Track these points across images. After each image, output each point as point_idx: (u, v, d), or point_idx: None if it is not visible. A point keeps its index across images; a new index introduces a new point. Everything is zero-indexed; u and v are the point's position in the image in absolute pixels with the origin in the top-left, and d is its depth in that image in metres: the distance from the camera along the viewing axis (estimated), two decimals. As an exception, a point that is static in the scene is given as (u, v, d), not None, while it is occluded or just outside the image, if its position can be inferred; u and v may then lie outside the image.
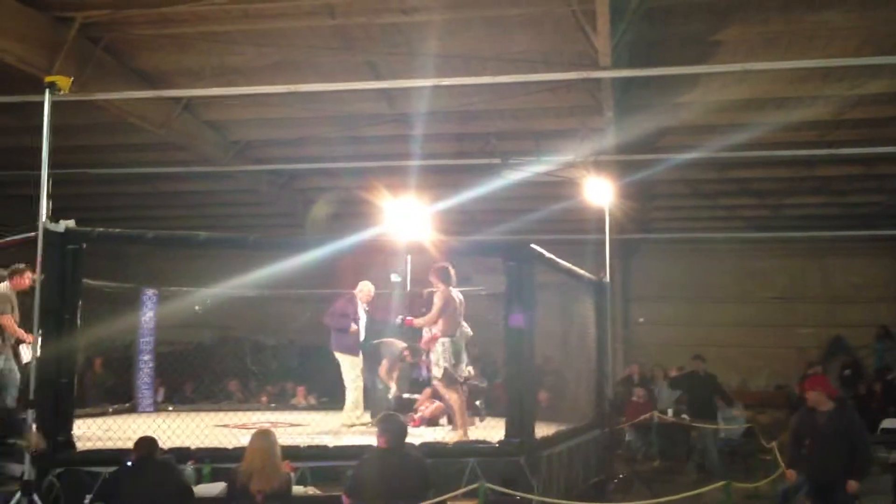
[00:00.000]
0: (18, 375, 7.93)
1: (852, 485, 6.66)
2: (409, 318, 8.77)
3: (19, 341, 8.02)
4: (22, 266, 8.03)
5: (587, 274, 10.27)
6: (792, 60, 9.51)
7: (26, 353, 7.89)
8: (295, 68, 10.48)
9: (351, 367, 9.35)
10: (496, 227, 15.13)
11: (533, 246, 7.77)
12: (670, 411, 13.15)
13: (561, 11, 9.05)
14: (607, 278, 10.97)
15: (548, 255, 8.16)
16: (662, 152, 12.70)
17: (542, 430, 7.81)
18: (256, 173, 14.81)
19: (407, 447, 6.22)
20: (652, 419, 12.57)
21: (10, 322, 7.94)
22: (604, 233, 11.44)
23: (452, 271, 8.36)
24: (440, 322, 8.17)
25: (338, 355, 9.43)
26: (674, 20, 9.41)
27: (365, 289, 9.86)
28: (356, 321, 9.59)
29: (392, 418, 6.40)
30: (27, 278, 7.94)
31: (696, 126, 11.80)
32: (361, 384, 9.36)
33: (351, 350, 9.38)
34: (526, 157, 12.74)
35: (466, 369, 8.35)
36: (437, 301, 8.22)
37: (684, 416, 13.10)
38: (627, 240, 17.02)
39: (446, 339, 8.11)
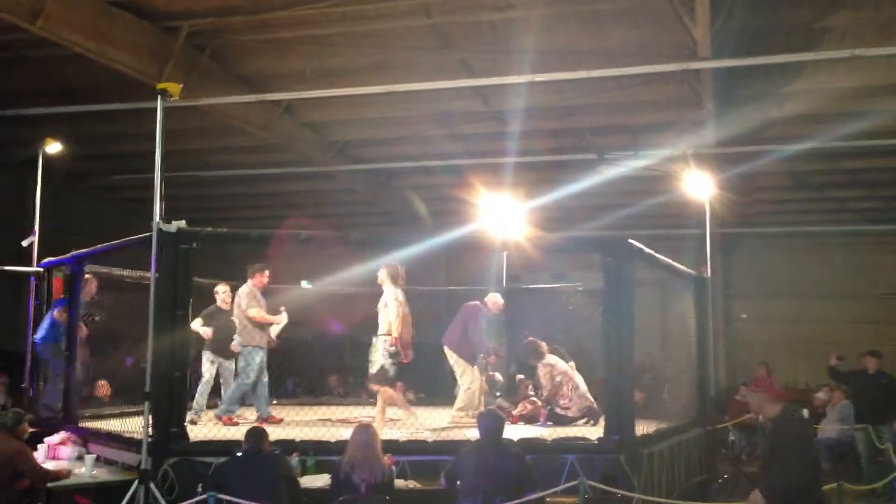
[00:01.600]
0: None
1: None
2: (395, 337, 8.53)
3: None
4: (260, 265, 9.02)
5: (687, 269, 10.05)
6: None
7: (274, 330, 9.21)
8: (391, 68, 10.64)
9: (467, 372, 9.32)
10: (592, 222, 14.98)
11: (631, 241, 7.66)
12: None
13: (658, 2, 8.89)
14: (708, 274, 10.72)
15: (647, 250, 8.03)
16: (766, 143, 12.28)
17: (643, 428, 7.70)
18: (355, 172, 15.09)
19: (505, 443, 6.26)
20: (757, 418, 12.18)
21: (259, 314, 8.86)
22: (703, 227, 11.17)
23: (402, 272, 8.53)
24: (383, 320, 8.34)
25: (455, 357, 9.35)
26: (779, 7, 9.12)
27: (497, 300, 9.87)
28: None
29: (488, 414, 6.48)
30: (265, 276, 9.06)
31: (802, 116, 11.36)
32: (476, 388, 9.27)
33: (470, 359, 9.35)
34: (623, 151, 12.57)
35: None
36: (389, 301, 8.39)
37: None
38: (728, 234, 16.57)
39: (388, 337, 8.20)
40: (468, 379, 9.19)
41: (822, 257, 17.07)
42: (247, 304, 8.86)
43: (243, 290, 9.01)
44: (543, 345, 9.44)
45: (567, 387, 9.12)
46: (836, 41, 9.49)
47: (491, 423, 6.13)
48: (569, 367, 9.33)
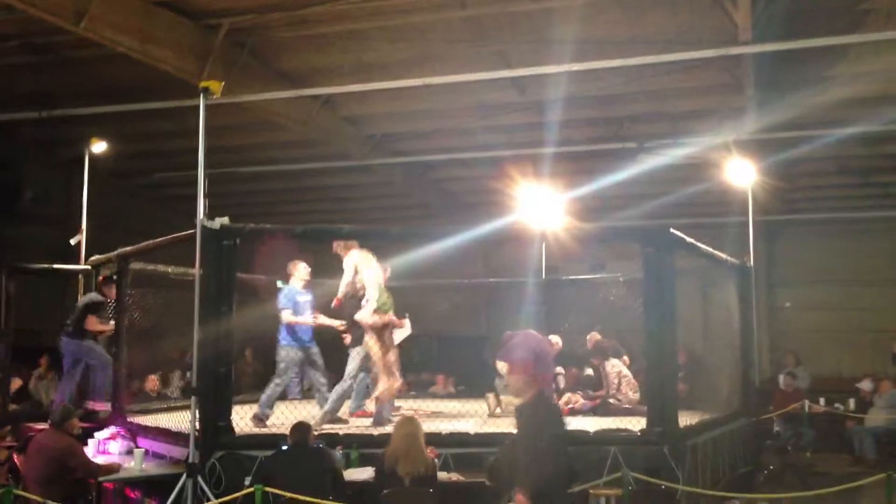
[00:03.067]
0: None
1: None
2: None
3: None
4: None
5: (729, 258, 9.94)
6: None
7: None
8: (428, 61, 10.64)
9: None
10: (632, 211, 14.86)
11: (672, 231, 7.59)
12: (822, 400, 12.58)
13: (697, -13, 8.79)
14: (751, 262, 10.59)
15: (688, 239, 7.96)
16: (810, 129, 12.07)
17: (686, 419, 7.65)
18: (392, 165, 15.13)
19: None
20: (803, 408, 12.05)
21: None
22: (745, 215, 11.05)
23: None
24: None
25: (514, 381, 9.33)
26: (820, -10, 8.95)
27: (558, 343, 9.85)
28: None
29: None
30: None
31: (846, 100, 11.12)
32: None
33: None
34: (662, 139, 12.45)
35: None
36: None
37: (837, 405, 12.54)
38: (771, 221, 16.32)
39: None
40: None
41: (868, 243, 16.73)
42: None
43: None
44: (606, 342, 9.75)
45: (626, 386, 9.32)
46: (881, 23, 9.28)
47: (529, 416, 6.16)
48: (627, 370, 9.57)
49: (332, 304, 8.49)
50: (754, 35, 8.88)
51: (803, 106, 11.15)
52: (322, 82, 11.20)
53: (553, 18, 9.53)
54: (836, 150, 13.04)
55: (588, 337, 10.14)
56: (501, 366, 9.49)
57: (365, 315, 8.08)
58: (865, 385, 12.12)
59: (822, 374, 15.62)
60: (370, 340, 8.15)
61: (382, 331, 8.29)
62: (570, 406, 9.49)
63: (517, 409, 5.55)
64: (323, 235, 8.55)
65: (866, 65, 10.31)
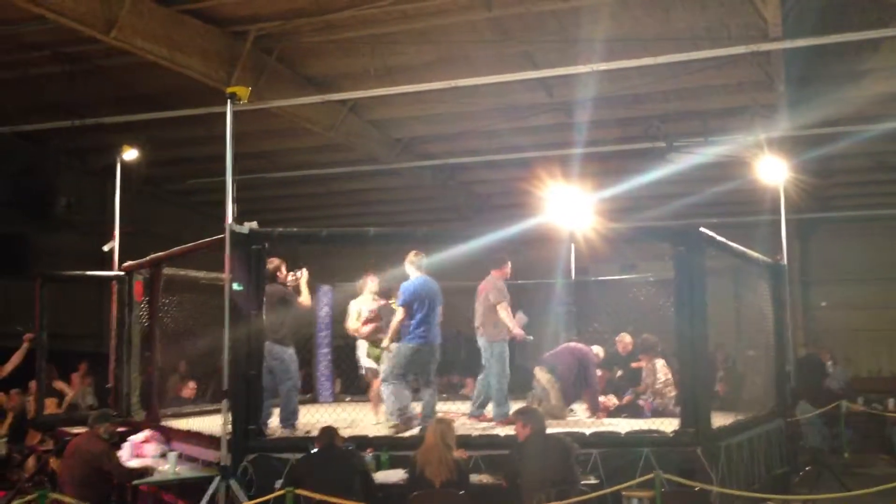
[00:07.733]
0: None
1: None
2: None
3: None
4: (502, 255, 8.61)
5: (762, 257, 9.80)
6: None
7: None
8: (454, 63, 10.64)
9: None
10: (661, 210, 14.72)
11: (703, 230, 7.49)
12: (860, 400, 12.37)
13: (725, -17, 8.70)
14: (784, 261, 10.43)
15: (719, 238, 7.85)
16: (843, 125, 11.88)
17: (720, 420, 7.54)
18: (420, 169, 15.15)
19: (553, 434, 6.39)
20: (840, 408, 11.83)
21: (507, 310, 8.32)
22: (777, 213, 10.88)
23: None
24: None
25: (557, 390, 9.06)
26: (851, -18, 8.81)
27: (601, 352, 9.80)
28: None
29: (529, 409, 6.59)
30: (508, 267, 8.64)
31: (880, 94, 10.95)
32: None
33: (570, 400, 9.29)
34: (692, 138, 12.31)
35: None
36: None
37: (876, 405, 12.33)
38: (804, 219, 16.09)
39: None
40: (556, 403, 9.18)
41: (905, 241, 16.44)
42: (496, 297, 8.41)
43: (489, 282, 8.57)
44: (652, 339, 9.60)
45: (667, 389, 9.18)
46: (916, 15, 9.12)
47: (536, 416, 6.40)
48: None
49: None
50: (785, 30, 8.77)
51: (837, 101, 10.98)
52: (349, 87, 11.25)
53: (580, 17, 9.48)
54: (873, 147, 12.82)
55: (617, 339, 10.01)
56: (540, 374, 9.37)
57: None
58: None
59: (860, 373, 15.37)
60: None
61: None
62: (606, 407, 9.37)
63: None
64: (348, 239, 8.55)
65: (901, 59, 10.13)
